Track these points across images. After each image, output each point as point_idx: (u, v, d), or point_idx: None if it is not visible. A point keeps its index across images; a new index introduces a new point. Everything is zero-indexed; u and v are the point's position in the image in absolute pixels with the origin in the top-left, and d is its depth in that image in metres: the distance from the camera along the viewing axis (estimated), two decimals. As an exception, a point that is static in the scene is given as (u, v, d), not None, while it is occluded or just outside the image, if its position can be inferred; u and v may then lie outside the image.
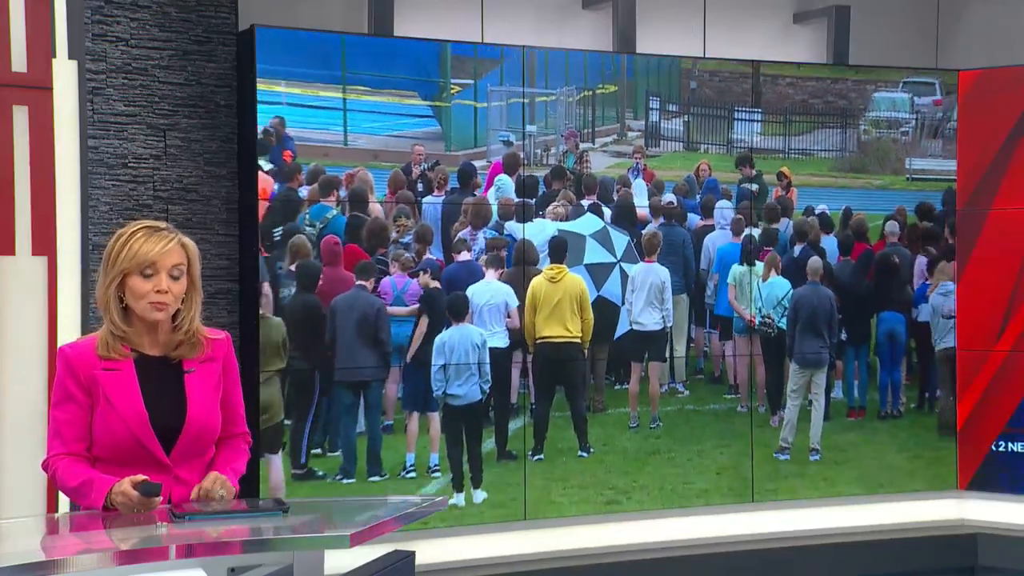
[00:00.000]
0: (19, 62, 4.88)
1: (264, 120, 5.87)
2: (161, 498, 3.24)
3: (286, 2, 6.46)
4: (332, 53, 6.06)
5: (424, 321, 6.16)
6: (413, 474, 6.19)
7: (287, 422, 5.92)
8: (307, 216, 5.95)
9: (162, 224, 3.41)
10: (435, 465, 6.26)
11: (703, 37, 7.46)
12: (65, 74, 4.99)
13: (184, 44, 6.14)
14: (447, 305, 6.24)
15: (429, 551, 6.11)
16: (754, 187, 6.92)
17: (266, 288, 5.87)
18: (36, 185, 4.90)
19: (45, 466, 3.39)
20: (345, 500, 5.21)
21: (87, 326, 4.93)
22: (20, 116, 4.88)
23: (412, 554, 3.37)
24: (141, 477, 3.22)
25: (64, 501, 4.48)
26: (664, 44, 7.25)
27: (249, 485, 5.85)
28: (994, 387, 7.39)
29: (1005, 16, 7.80)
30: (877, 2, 7.84)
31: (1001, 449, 7.37)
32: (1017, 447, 7.33)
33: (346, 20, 6.62)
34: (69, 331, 4.89)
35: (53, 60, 4.96)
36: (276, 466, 5.89)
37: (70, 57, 5.01)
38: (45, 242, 4.91)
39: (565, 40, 7.09)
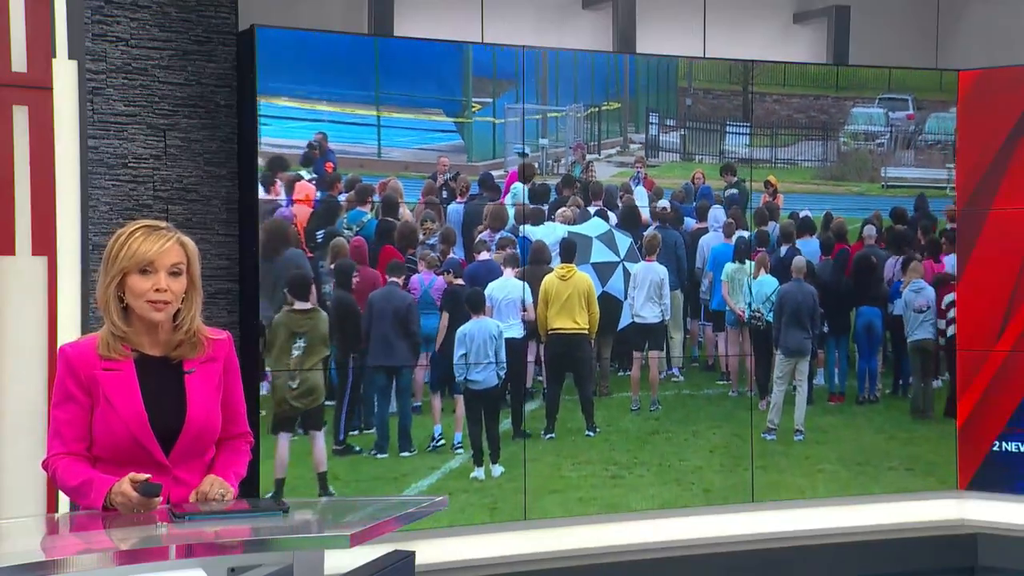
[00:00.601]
0: (19, 62, 4.87)
1: (308, 135, 6.35)
2: (161, 498, 3.23)
3: (286, 2, 6.46)
4: (361, 62, 6.51)
5: (445, 317, 6.67)
6: (441, 442, 6.66)
7: (328, 403, 6.44)
8: (345, 220, 6.48)
9: (162, 223, 3.40)
10: (459, 443, 6.73)
11: (703, 37, 7.48)
12: (65, 74, 4.98)
13: (184, 44, 6.14)
14: (465, 300, 6.69)
15: (429, 551, 6.12)
16: (735, 191, 7.38)
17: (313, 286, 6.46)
18: (36, 185, 4.89)
19: (45, 466, 3.38)
20: (345, 500, 5.22)
21: (87, 326, 4.92)
22: (20, 116, 4.87)
23: (412, 554, 3.37)
24: (141, 476, 3.20)
25: (64, 501, 4.48)
26: (664, 44, 7.27)
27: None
28: (994, 387, 7.40)
29: (1005, 16, 7.81)
30: (877, 2, 7.85)
31: (1001, 449, 7.38)
32: (1017, 447, 7.33)
33: (346, 20, 6.63)
34: (69, 331, 4.88)
35: (53, 60, 4.95)
36: (319, 443, 6.40)
37: (70, 57, 5.00)
38: (45, 242, 4.90)
39: (565, 40, 7.10)
